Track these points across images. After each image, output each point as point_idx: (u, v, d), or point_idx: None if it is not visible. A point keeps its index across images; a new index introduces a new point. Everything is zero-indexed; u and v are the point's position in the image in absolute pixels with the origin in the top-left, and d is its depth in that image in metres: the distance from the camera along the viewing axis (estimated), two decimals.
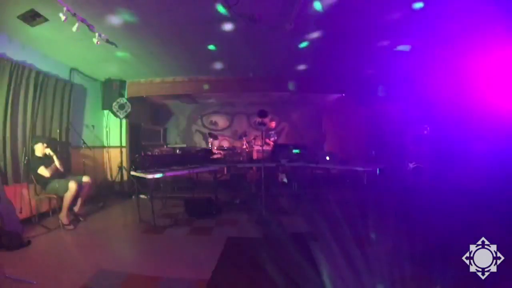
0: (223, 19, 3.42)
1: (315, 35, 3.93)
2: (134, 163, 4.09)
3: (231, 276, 2.47)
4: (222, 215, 4.39)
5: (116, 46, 4.10)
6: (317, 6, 3.15)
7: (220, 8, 3.20)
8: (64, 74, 4.88)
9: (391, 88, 5.97)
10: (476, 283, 1.94)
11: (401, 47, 4.63)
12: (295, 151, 5.46)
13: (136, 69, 5.44)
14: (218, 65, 5.32)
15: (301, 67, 5.47)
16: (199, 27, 3.68)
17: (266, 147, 6.18)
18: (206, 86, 6.22)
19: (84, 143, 5.14)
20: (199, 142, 9.09)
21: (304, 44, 4.26)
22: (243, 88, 6.38)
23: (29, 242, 3.09)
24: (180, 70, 5.80)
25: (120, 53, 4.52)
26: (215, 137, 8.18)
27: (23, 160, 3.81)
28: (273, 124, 7.89)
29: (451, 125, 5.18)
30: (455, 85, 5.09)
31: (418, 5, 3.12)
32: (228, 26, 3.63)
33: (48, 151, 3.89)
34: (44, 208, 4.12)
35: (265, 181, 4.26)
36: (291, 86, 6.22)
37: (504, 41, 3.83)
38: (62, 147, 4.67)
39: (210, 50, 4.50)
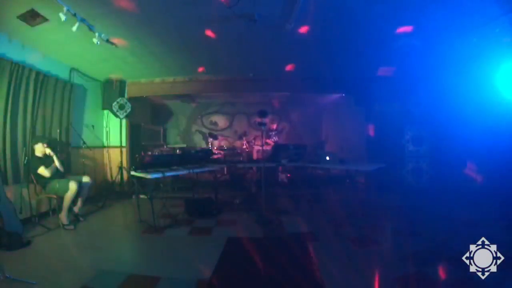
0: (223, 19, 3.42)
1: (315, 35, 3.92)
2: (134, 163, 4.09)
3: (231, 276, 2.47)
4: (222, 215, 4.39)
5: (116, 46, 4.10)
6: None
7: None
8: (64, 74, 4.87)
9: (392, 87, 5.96)
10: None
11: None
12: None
13: (136, 69, 5.43)
14: (218, 65, 5.30)
15: (301, 67, 5.46)
16: (199, 27, 3.68)
17: (266, 147, 6.18)
18: (206, 86, 6.21)
19: (84, 143, 5.14)
20: (199, 142, 9.08)
21: (304, 45, 4.25)
22: (243, 88, 6.38)
23: (29, 242, 3.09)
24: (180, 70, 5.79)
25: (120, 53, 4.51)
26: (215, 137, 8.18)
27: (23, 160, 3.81)
28: (274, 125, 7.89)
29: (452, 125, 5.18)
30: (454, 85, 5.08)
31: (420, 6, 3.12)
32: (228, 26, 3.62)
33: (48, 151, 3.88)
34: (44, 208, 4.13)
35: (265, 181, 4.26)
36: (291, 86, 6.22)
37: None
38: (62, 147, 4.67)
39: (210, 50, 4.49)
